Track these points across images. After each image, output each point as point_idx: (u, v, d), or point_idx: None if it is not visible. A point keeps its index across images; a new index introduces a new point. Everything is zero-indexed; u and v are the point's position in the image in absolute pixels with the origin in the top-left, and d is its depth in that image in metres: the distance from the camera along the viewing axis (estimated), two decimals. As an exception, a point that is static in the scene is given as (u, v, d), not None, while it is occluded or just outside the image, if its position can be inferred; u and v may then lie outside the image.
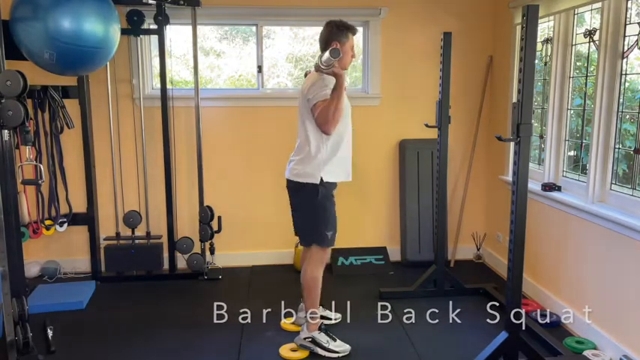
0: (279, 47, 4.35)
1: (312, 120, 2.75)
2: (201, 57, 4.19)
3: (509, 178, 2.90)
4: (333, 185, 2.89)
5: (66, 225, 3.92)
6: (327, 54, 2.50)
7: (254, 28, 4.22)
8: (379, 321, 3.32)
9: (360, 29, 4.31)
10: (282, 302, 3.51)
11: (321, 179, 2.79)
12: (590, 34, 3.14)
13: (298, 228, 3.08)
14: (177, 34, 4.23)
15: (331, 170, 2.82)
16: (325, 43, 2.82)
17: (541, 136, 3.71)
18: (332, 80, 2.65)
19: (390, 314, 3.40)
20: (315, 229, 2.86)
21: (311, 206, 2.84)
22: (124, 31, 3.49)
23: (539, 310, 3.36)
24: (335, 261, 4.21)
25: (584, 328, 3.04)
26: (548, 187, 3.41)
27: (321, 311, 3.14)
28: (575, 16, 3.30)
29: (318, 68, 2.66)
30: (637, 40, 2.74)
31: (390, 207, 4.44)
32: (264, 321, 3.28)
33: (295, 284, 3.88)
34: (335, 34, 2.80)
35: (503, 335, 2.58)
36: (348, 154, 2.92)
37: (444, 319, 3.37)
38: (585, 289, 3.07)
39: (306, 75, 3.05)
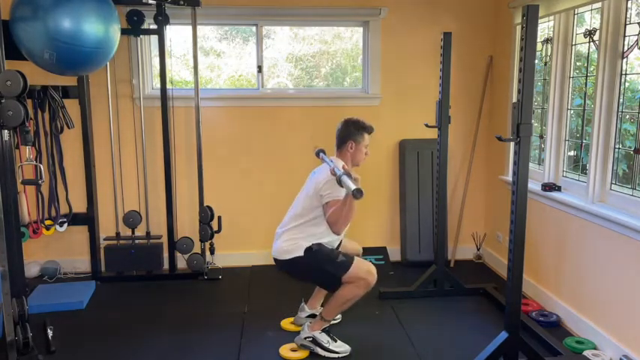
0: (279, 47, 4.35)
1: (319, 209, 2.81)
2: (201, 57, 4.19)
3: (509, 178, 2.90)
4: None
5: (66, 225, 3.92)
6: (351, 185, 2.39)
7: (254, 28, 4.22)
8: (379, 321, 3.32)
9: (360, 30, 4.32)
10: (282, 302, 3.53)
11: (306, 247, 2.83)
12: (590, 34, 3.14)
13: (318, 285, 3.16)
14: (177, 34, 4.23)
15: (317, 241, 2.88)
16: (341, 140, 2.96)
17: (541, 136, 3.71)
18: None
19: (390, 314, 3.40)
20: (331, 274, 2.82)
21: (313, 267, 2.85)
22: (124, 31, 3.49)
23: (539, 310, 3.36)
24: (335, 261, 4.21)
25: (584, 328, 3.04)
26: (548, 187, 3.41)
27: (320, 310, 3.14)
28: (575, 16, 3.30)
29: (333, 174, 2.61)
30: (637, 40, 2.74)
31: (390, 207, 4.44)
32: (264, 321, 3.28)
33: (295, 284, 3.88)
34: (352, 133, 2.93)
35: (503, 335, 2.58)
36: (337, 238, 2.99)
37: (444, 319, 3.37)
38: (585, 289, 3.07)
39: (317, 154, 3.00)
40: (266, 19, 4.18)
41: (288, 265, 2.90)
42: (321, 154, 2.97)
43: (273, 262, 4.27)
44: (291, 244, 2.86)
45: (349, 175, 2.48)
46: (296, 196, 3.08)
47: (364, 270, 2.81)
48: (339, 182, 2.51)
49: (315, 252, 2.82)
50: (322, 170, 2.87)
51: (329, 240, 2.91)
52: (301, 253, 2.83)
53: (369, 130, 2.97)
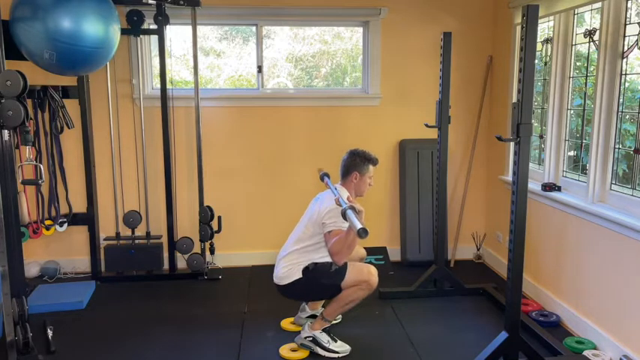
0: (279, 47, 4.35)
1: (320, 236, 2.82)
2: (201, 57, 4.19)
3: (509, 178, 2.90)
4: None
5: (66, 225, 3.92)
6: (357, 225, 2.32)
7: (254, 28, 4.22)
8: (379, 321, 3.32)
9: (360, 30, 4.32)
10: (282, 302, 3.52)
11: (303, 268, 2.84)
12: (590, 34, 3.14)
13: (322, 299, 3.16)
14: (177, 34, 4.23)
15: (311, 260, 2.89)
16: (346, 170, 3.00)
17: (541, 136, 3.71)
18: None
19: (390, 314, 3.40)
20: (331, 285, 2.84)
21: (314, 284, 2.86)
22: (124, 31, 3.49)
23: (539, 310, 3.36)
24: (335, 261, 4.22)
25: (584, 328, 3.04)
26: (548, 187, 3.41)
27: (322, 310, 3.14)
28: (575, 16, 3.30)
29: (338, 204, 2.61)
30: (637, 40, 2.74)
31: (390, 207, 4.44)
32: (264, 321, 3.28)
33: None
34: (357, 164, 2.97)
35: (503, 335, 2.58)
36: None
37: (444, 319, 3.37)
38: (585, 289, 3.07)
39: (321, 178, 3.04)
40: (266, 19, 4.18)
41: (288, 289, 2.92)
42: (326, 179, 3.01)
43: (273, 262, 4.30)
44: (289, 270, 2.88)
45: (354, 210, 2.47)
46: (298, 212, 3.11)
47: (364, 272, 2.83)
48: (344, 216, 2.50)
49: (311, 270, 2.85)
50: (326, 198, 2.87)
51: (330, 261, 2.89)
52: (299, 276, 2.85)
53: (374, 162, 3.03)
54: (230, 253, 4.29)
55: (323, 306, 3.15)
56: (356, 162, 2.98)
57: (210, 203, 4.04)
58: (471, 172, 4.36)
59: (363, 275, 2.81)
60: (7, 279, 2.51)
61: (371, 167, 3.02)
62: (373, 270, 2.86)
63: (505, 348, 2.56)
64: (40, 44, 2.91)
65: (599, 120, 2.93)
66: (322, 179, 3.05)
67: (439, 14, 4.20)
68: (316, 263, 2.86)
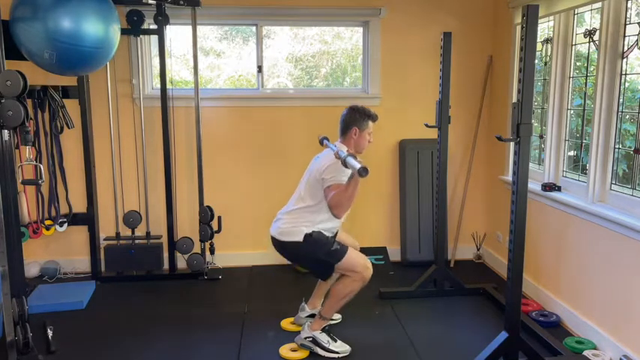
0: (279, 47, 4.35)
1: (321, 194, 2.82)
2: (201, 57, 4.19)
3: (509, 178, 2.90)
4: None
5: (66, 225, 3.92)
6: (356, 165, 2.40)
7: (254, 28, 4.22)
8: (379, 321, 3.32)
9: (360, 30, 4.32)
10: (282, 302, 3.52)
11: (306, 233, 2.83)
12: (590, 34, 3.14)
13: (311, 272, 3.15)
14: (177, 34, 4.23)
15: (317, 228, 2.88)
16: (346, 125, 2.97)
17: (541, 136, 3.71)
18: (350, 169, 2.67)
19: (390, 314, 3.40)
20: (325, 262, 2.85)
21: (309, 252, 2.86)
22: (124, 31, 3.49)
23: (539, 310, 3.36)
24: (335, 261, 4.21)
25: (584, 328, 3.04)
26: (548, 187, 3.41)
27: (319, 309, 3.14)
28: (575, 16, 3.30)
29: (338, 158, 2.62)
30: (637, 40, 2.74)
31: (390, 207, 4.44)
32: (264, 321, 3.28)
33: (295, 284, 3.89)
34: (357, 120, 2.95)
35: (503, 335, 2.58)
36: (337, 225, 2.99)
37: (444, 319, 3.37)
38: (585, 289, 3.07)
39: (321, 142, 3.06)
40: (266, 19, 4.18)
41: (285, 247, 2.91)
42: (325, 141, 3.01)
43: (273, 263, 4.32)
44: (291, 227, 2.87)
45: (354, 157, 2.49)
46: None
47: (360, 264, 2.84)
48: (344, 164, 2.52)
49: (313, 239, 2.83)
50: (326, 155, 2.89)
51: (330, 226, 2.90)
52: (300, 239, 2.83)
53: (373, 117, 3.00)
54: (230, 253, 4.29)
55: (322, 304, 3.15)
56: (355, 117, 2.95)
57: (210, 203, 4.04)
58: (471, 172, 4.36)
59: (358, 266, 2.82)
60: (7, 279, 2.51)
61: (370, 123, 2.99)
62: (369, 264, 2.87)
63: (505, 348, 2.57)
64: (40, 44, 2.91)
65: (599, 120, 2.93)
66: (321, 143, 3.04)
67: (439, 14, 4.20)
68: (320, 232, 2.85)
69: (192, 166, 4.10)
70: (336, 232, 3.10)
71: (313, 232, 2.84)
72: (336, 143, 2.95)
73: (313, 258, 2.88)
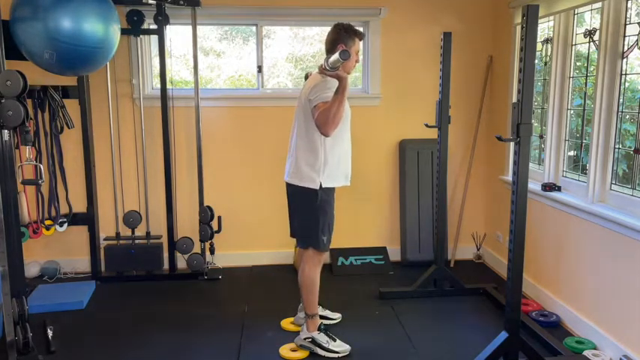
0: (279, 47, 4.35)
1: (313, 121, 2.75)
2: (201, 57, 4.19)
3: (509, 178, 2.90)
4: (333, 189, 2.89)
5: (66, 225, 3.92)
6: (335, 55, 2.43)
7: (254, 28, 4.22)
8: (379, 321, 3.32)
9: (359, 29, 4.32)
10: (282, 302, 3.52)
11: (321, 184, 2.79)
12: (590, 34, 3.14)
13: (295, 231, 3.06)
14: (177, 34, 4.23)
15: (330, 174, 2.82)
16: (332, 44, 2.85)
17: (541, 136, 3.71)
18: (335, 83, 2.64)
19: (390, 314, 3.40)
20: (311, 232, 2.86)
21: (310, 210, 2.84)
22: (124, 31, 3.49)
23: (539, 310, 3.37)
24: (335, 261, 4.21)
25: (584, 328, 3.04)
26: (548, 187, 3.41)
27: (320, 311, 3.14)
28: (575, 16, 3.30)
29: (321, 70, 2.61)
30: (637, 40, 2.74)
31: (390, 207, 4.44)
32: (264, 321, 3.28)
33: (295, 284, 3.88)
34: (342, 36, 2.83)
35: (503, 335, 2.58)
36: (347, 157, 2.93)
37: (444, 319, 3.37)
38: (585, 289, 3.07)
39: (306, 77, 3.04)
40: (266, 19, 4.18)
41: (297, 191, 2.86)
42: (309, 73, 2.98)
43: (273, 263, 4.33)
44: (303, 173, 2.81)
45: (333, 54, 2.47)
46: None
47: (324, 258, 2.96)
48: (328, 65, 2.50)
49: (326, 201, 2.82)
50: (310, 79, 2.86)
51: (338, 173, 2.85)
52: (315, 187, 2.78)
53: (360, 35, 2.89)
54: (230, 253, 4.29)
55: (319, 304, 3.14)
56: (341, 35, 2.85)
57: (210, 203, 4.04)
58: (470, 172, 4.36)
59: (320, 257, 2.91)
60: (7, 279, 2.51)
61: (357, 40, 2.88)
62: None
63: (505, 348, 2.56)
64: (41, 44, 2.91)
65: (599, 120, 2.93)
66: (306, 76, 3.00)
67: (439, 14, 4.20)
68: (330, 202, 2.84)
69: (193, 166, 4.10)
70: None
71: (326, 187, 2.80)
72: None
73: (306, 220, 2.86)
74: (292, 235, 3.09)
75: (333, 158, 2.82)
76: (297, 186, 2.84)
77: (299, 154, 2.85)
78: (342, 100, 2.62)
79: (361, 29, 2.95)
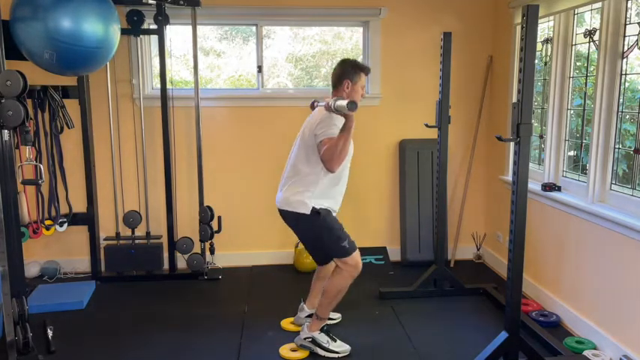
0: (279, 47, 4.35)
1: (316, 154, 2.77)
2: (201, 57, 4.19)
3: (509, 178, 2.90)
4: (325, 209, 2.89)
5: (66, 225, 3.92)
6: (343, 103, 2.41)
7: (254, 28, 4.22)
8: (379, 321, 3.32)
9: (360, 30, 4.32)
10: (282, 302, 3.52)
11: (313, 207, 2.80)
12: (590, 34, 3.14)
13: (310, 253, 3.12)
14: (177, 34, 4.23)
15: (322, 203, 2.84)
16: (338, 79, 2.91)
17: (541, 136, 3.71)
18: (341, 120, 2.64)
19: (390, 314, 3.40)
20: (328, 249, 2.84)
21: (314, 232, 2.85)
22: (124, 31, 3.49)
23: (539, 310, 3.36)
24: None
25: (584, 328, 3.04)
26: (548, 187, 3.41)
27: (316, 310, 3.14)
28: (575, 16, 3.30)
29: (328, 108, 2.60)
30: (637, 40, 2.74)
31: (390, 207, 4.44)
32: (264, 321, 3.28)
33: (295, 284, 3.89)
34: (349, 72, 2.89)
35: (503, 335, 2.58)
36: (342, 190, 2.96)
37: (444, 319, 3.37)
38: (585, 289, 3.07)
39: (312, 106, 3.02)
40: (266, 19, 4.18)
41: (292, 218, 2.87)
42: (316, 102, 2.97)
43: (273, 263, 4.32)
44: (295, 198, 2.82)
45: (342, 98, 2.47)
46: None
47: (356, 261, 2.84)
48: (334, 108, 2.49)
49: (322, 219, 2.80)
50: (316, 112, 2.87)
51: (331, 202, 2.86)
52: (307, 212, 2.79)
53: (366, 70, 2.94)
54: (230, 253, 4.29)
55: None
56: (347, 70, 2.89)
57: (210, 203, 4.04)
58: (470, 172, 4.36)
59: (352, 261, 2.83)
60: (7, 279, 2.52)
61: (363, 75, 2.93)
62: (360, 262, 2.87)
63: (505, 348, 2.56)
64: (40, 44, 2.91)
65: (599, 120, 2.93)
66: (313, 105, 3.00)
67: (439, 14, 4.20)
68: (328, 211, 2.83)
69: (192, 166, 4.10)
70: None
71: (321, 209, 2.80)
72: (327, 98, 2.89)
73: (318, 240, 2.86)
74: (318, 263, 3.10)
75: (328, 190, 2.85)
76: (292, 212, 2.85)
77: (294, 182, 2.86)
78: (347, 138, 2.62)
79: (368, 66, 3.00)
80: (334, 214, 2.91)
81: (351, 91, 2.91)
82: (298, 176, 2.85)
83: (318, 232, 2.84)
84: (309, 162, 2.82)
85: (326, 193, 2.84)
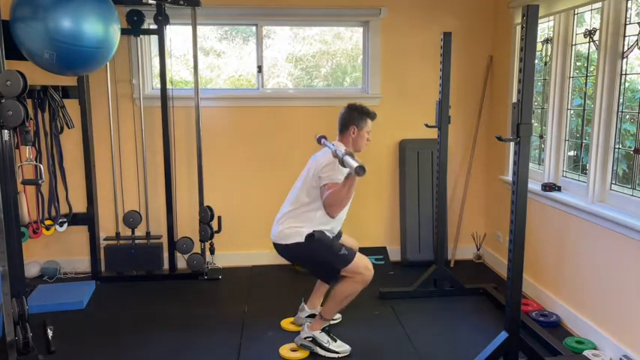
0: (279, 47, 4.35)
1: (317, 193, 2.81)
2: (201, 57, 4.19)
3: (509, 178, 2.90)
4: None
5: (66, 225, 3.92)
6: (353, 164, 2.37)
7: (254, 28, 4.22)
8: (379, 321, 3.32)
9: (360, 30, 4.32)
10: (282, 302, 3.52)
11: (307, 233, 2.82)
12: (590, 34, 3.14)
13: (316, 276, 3.14)
14: (177, 34, 4.23)
15: (317, 228, 2.87)
16: (344, 124, 2.97)
17: (541, 136, 3.71)
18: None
19: (390, 314, 3.40)
20: (331, 263, 2.83)
21: (312, 253, 2.85)
22: (124, 31, 3.49)
23: (539, 310, 3.36)
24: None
25: (584, 328, 3.04)
26: (548, 187, 3.41)
27: (320, 309, 3.14)
28: (575, 16, 3.30)
29: (335, 156, 2.60)
30: (637, 40, 2.74)
31: (390, 207, 4.44)
32: (264, 321, 3.28)
33: (295, 284, 3.89)
34: (355, 118, 2.94)
35: (503, 335, 2.58)
36: (341, 218, 2.99)
37: (444, 319, 3.37)
38: (585, 289, 3.07)
39: (319, 140, 3.04)
40: (266, 19, 4.18)
41: (287, 250, 2.89)
42: (323, 140, 2.99)
43: (273, 263, 4.32)
44: (290, 230, 2.85)
45: (352, 155, 2.47)
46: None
47: (362, 265, 2.83)
48: (342, 162, 2.49)
49: (317, 240, 2.81)
50: (323, 153, 2.88)
51: (328, 228, 2.90)
52: (301, 239, 2.81)
53: (372, 116, 2.99)
54: (230, 253, 4.29)
55: (321, 305, 3.15)
56: (353, 116, 2.94)
57: (210, 203, 4.04)
58: (470, 172, 4.36)
59: (361, 268, 2.81)
60: (7, 279, 2.51)
61: (369, 121, 2.98)
62: (370, 265, 2.87)
63: (505, 348, 2.56)
64: (40, 44, 2.91)
65: (599, 120, 2.93)
66: (319, 141, 3.02)
67: (439, 14, 4.20)
68: (322, 232, 2.84)
69: (192, 166, 4.10)
70: (340, 234, 3.10)
71: (314, 231, 2.83)
72: (335, 142, 2.93)
73: (318, 260, 2.87)
74: (328, 282, 3.09)
75: (323, 226, 2.88)
76: (286, 244, 2.87)
77: (291, 217, 2.88)
78: (351, 187, 2.63)
79: (374, 111, 3.04)
80: (328, 234, 2.92)
81: (357, 136, 2.97)
82: (296, 212, 2.88)
83: (316, 251, 2.84)
84: (310, 200, 2.85)
85: (323, 223, 2.87)
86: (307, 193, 2.86)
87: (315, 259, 2.88)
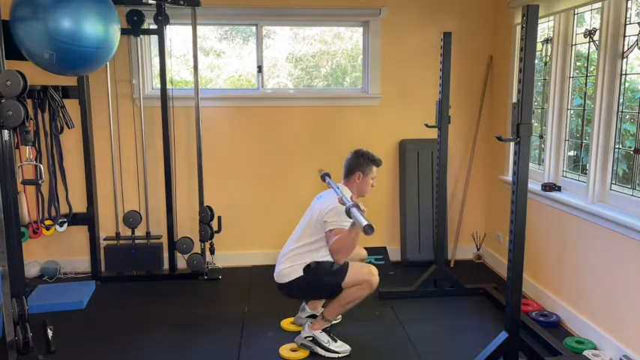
0: (279, 47, 4.35)
1: (321, 235, 2.83)
2: (201, 57, 4.19)
3: (509, 178, 2.90)
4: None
5: (66, 225, 3.92)
6: (362, 221, 2.31)
7: (254, 28, 4.22)
8: (379, 321, 3.32)
9: (360, 30, 4.32)
10: (282, 302, 3.52)
11: (304, 267, 2.85)
12: (590, 34, 3.14)
13: (323, 298, 3.16)
14: (177, 34, 4.23)
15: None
16: (350, 169, 3.01)
17: (541, 136, 3.71)
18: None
19: (390, 314, 3.40)
20: (333, 281, 2.84)
21: (314, 280, 2.86)
22: (124, 31, 3.49)
23: (539, 310, 3.36)
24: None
25: (584, 328, 3.04)
26: (548, 187, 3.41)
27: (322, 310, 3.14)
28: (575, 16, 3.30)
29: (340, 201, 2.61)
30: (637, 40, 2.74)
31: (390, 207, 4.44)
32: (264, 321, 3.28)
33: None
34: (361, 164, 2.98)
35: (503, 335, 2.58)
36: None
37: (444, 319, 3.38)
38: (585, 289, 3.07)
39: (323, 178, 3.05)
40: (266, 19, 4.18)
41: (288, 287, 2.93)
42: (327, 179, 3.01)
43: (273, 262, 4.29)
44: (290, 268, 2.90)
45: (358, 207, 2.46)
46: (298, 212, 3.12)
47: (365, 272, 2.83)
48: (348, 214, 2.48)
49: (313, 268, 2.86)
50: (329, 196, 2.89)
51: (329, 259, 2.91)
52: (300, 274, 2.86)
53: (377, 163, 3.04)
54: (230, 253, 4.29)
55: (323, 306, 3.15)
56: (360, 162, 2.99)
57: (210, 203, 4.04)
58: (470, 172, 4.36)
59: (363, 275, 2.82)
60: (7, 279, 2.52)
61: (374, 168, 3.03)
62: (374, 270, 2.87)
63: (505, 348, 2.56)
64: (40, 44, 2.91)
65: (599, 120, 2.93)
66: (323, 179, 3.06)
67: (439, 14, 4.20)
68: (317, 262, 2.87)
69: (193, 166, 4.10)
70: None
71: (311, 262, 2.86)
72: (339, 185, 2.95)
73: (319, 285, 2.89)
74: (332, 298, 3.09)
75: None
76: (289, 282, 2.90)
77: (295, 257, 2.91)
78: (358, 233, 2.62)
79: (380, 158, 3.08)
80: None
81: (361, 182, 3.00)
82: (298, 250, 2.91)
83: (319, 276, 2.86)
84: (313, 236, 2.88)
85: (324, 257, 2.90)
86: (311, 234, 2.90)
87: (316, 287, 2.91)
